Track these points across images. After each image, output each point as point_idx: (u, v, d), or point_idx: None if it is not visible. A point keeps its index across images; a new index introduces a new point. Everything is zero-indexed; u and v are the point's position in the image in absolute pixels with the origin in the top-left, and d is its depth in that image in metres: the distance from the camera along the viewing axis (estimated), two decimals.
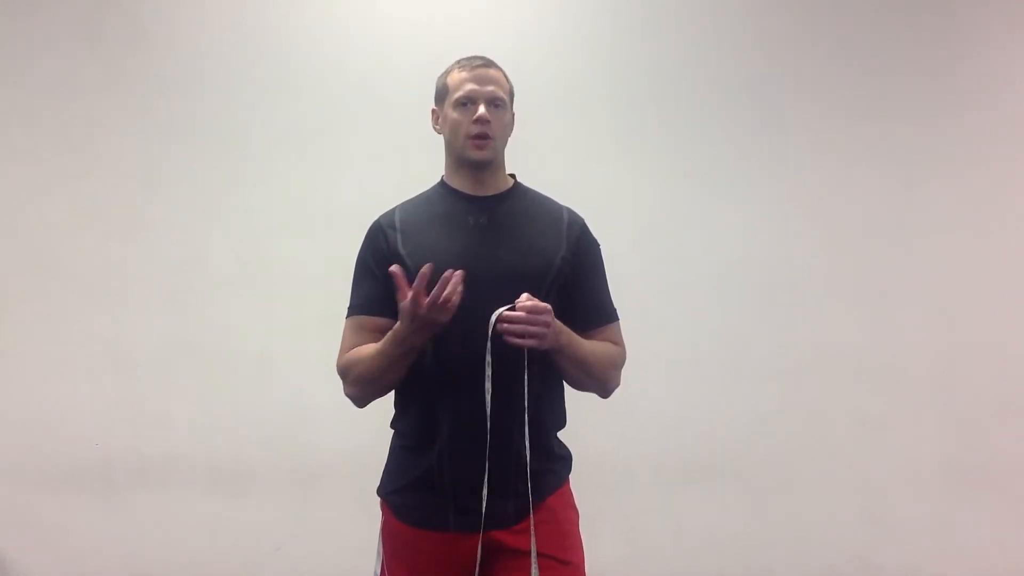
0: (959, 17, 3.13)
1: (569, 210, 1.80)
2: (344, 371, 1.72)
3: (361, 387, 1.69)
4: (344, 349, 1.73)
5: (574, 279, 1.74)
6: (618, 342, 1.79)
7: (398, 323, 1.57)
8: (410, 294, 1.50)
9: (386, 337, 1.61)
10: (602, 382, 1.75)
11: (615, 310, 1.81)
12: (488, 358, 1.58)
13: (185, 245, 3.00)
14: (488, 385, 1.58)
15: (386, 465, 1.79)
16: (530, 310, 1.55)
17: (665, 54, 3.10)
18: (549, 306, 1.57)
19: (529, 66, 2.97)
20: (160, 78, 3.01)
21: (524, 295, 1.57)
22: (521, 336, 1.55)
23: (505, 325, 1.55)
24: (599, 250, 1.80)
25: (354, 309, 1.74)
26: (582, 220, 1.80)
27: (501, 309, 1.56)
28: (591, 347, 1.71)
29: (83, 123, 2.99)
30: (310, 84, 3.02)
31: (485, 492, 1.60)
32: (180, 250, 2.99)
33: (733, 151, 3.10)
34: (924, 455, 3.08)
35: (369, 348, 1.66)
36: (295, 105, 3.02)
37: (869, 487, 3.08)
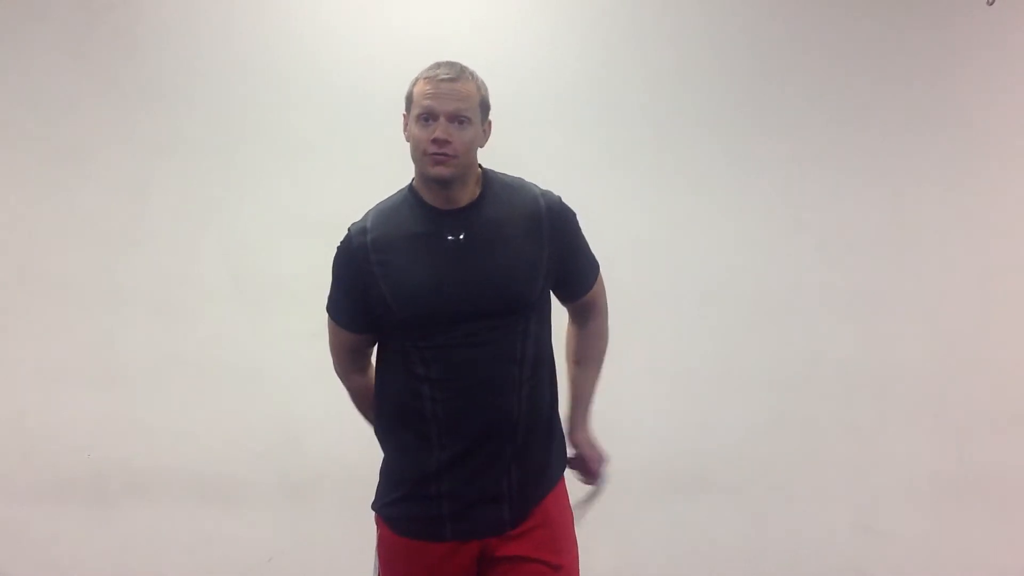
0: (951, 27, 3.14)
1: (542, 194, 1.73)
2: (341, 379, 1.85)
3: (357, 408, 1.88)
4: (332, 347, 1.81)
5: (560, 263, 1.73)
6: (600, 297, 1.84)
7: None
8: None
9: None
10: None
11: (597, 264, 1.82)
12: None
13: (177, 257, 2.99)
14: None
15: (379, 478, 1.79)
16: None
17: (657, 63, 3.10)
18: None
19: (521, 76, 2.98)
20: (151, 90, 3.00)
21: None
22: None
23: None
24: (575, 218, 1.76)
25: (332, 313, 1.78)
26: (556, 198, 1.74)
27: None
28: (594, 380, 1.86)
29: (74, 135, 2.98)
30: (302, 96, 3.01)
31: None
32: (172, 262, 2.99)
33: (725, 161, 3.10)
34: (918, 466, 3.08)
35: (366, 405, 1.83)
36: (286, 117, 3.01)
37: (863, 498, 3.08)
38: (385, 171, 2.89)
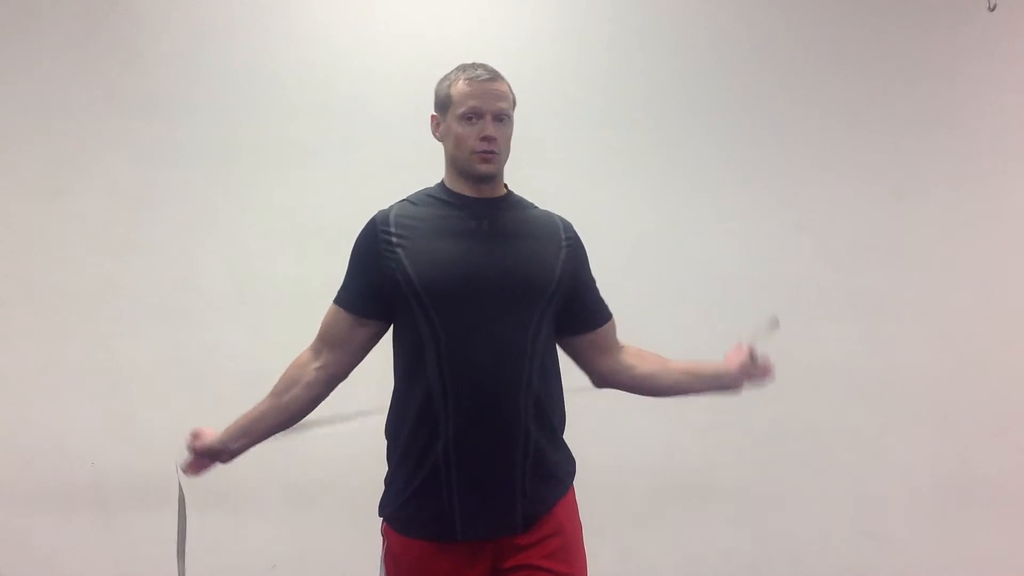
0: (953, 31, 3.16)
1: (556, 215, 1.82)
2: (298, 358, 1.84)
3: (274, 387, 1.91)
4: (321, 328, 1.78)
5: (574, 284, 1.76)
6: (617, 338, 1.91)
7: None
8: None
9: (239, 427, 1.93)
10: None
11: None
12: None
13: (179, 264, 2.99)
14: None
15: (387, 481, 1.77)
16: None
17: (658, 66, 3.12)
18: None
19: (524, 82, 2.95)
20: (153, 98, 3.01)
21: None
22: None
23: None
24: (585, 250, 1.84)
25: (340, 301, 1.75)
26: (569, 222, 1.82)
27: None
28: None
29: (76, 142, 2.99)
30: (303, 102, 3.02)
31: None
32: (174, 269, 2.99)
33: (726, 166, 3.11)
34: (919, 471, 3.08)
35: (257, 408, 1.95)
36: (287, 123, 3.02)
37: (864, 503, 3.08)
38: (385, 177, 2.93)
